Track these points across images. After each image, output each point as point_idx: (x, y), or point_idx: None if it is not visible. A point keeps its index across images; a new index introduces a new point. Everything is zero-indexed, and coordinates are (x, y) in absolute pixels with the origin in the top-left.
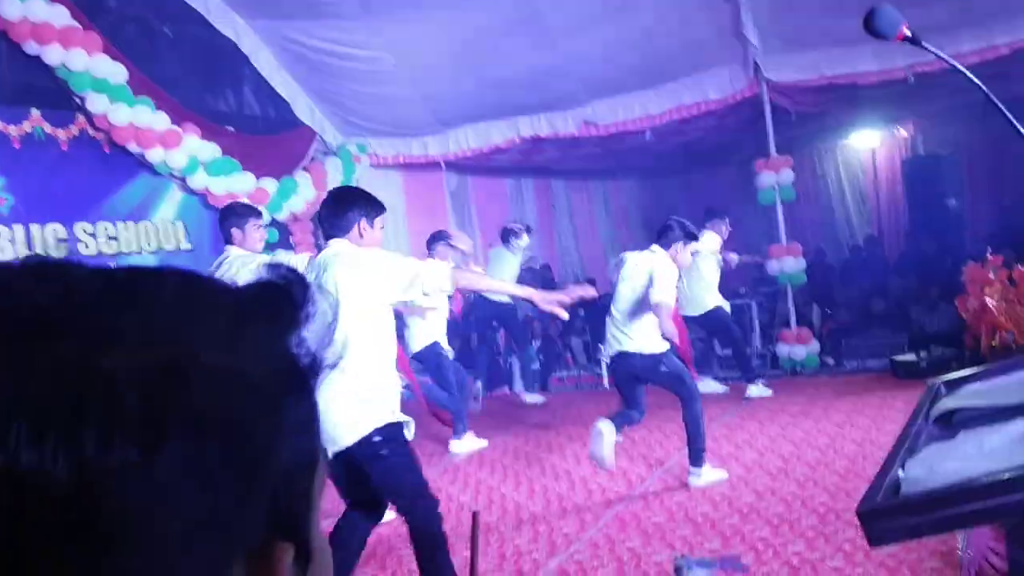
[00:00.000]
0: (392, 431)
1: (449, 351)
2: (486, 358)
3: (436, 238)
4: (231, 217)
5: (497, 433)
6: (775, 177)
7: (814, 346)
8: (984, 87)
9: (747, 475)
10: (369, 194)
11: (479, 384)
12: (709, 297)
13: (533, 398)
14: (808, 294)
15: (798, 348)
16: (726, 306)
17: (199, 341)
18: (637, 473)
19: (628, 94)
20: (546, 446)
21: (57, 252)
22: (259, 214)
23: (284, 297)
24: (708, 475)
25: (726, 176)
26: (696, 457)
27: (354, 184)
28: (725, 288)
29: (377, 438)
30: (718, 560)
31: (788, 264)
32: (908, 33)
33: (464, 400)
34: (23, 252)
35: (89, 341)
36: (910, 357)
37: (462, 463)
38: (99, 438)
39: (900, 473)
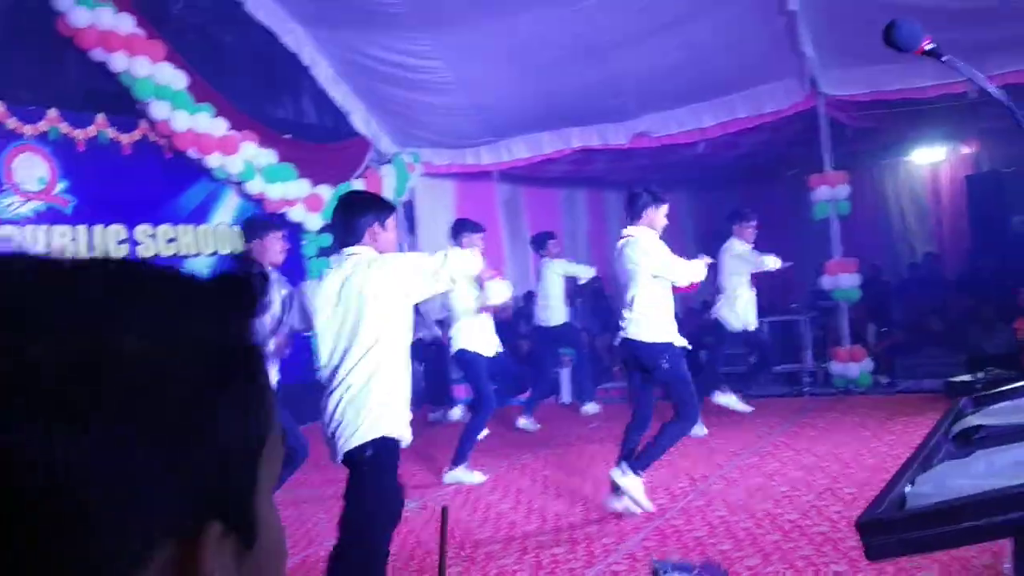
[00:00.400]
0: (387, 445)
1: (496, 344)
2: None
3: (461, 227)
4: (251, 229)
5: (539, 443)
6: (830, 192)
7: (867, 364)
8: (1012, 105)
9: (792, 493)
10: (377, 196)
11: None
12: (751, 312)
13: (591, 408)
14: (863, 311)
15: (851, 366)
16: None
17: (128, 328)
18: (680, 486)
19: (681, 107)
20: (588, 457)
21: (117, 253)
22: (279, 227)
23: (230, 287)
24: (632, 483)
25: (780, 190)
26: (642, 464)
27: (406, 192)
28: (780, 302)
29: (369, 451)
30: (698, 566)
31: (842, 280)
32: (928, 47)
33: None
34: (85, 252)
35: (20, 331)
36: (966, 378)
37: (503, 471)
38: (22, 423)
39: (908, 488)
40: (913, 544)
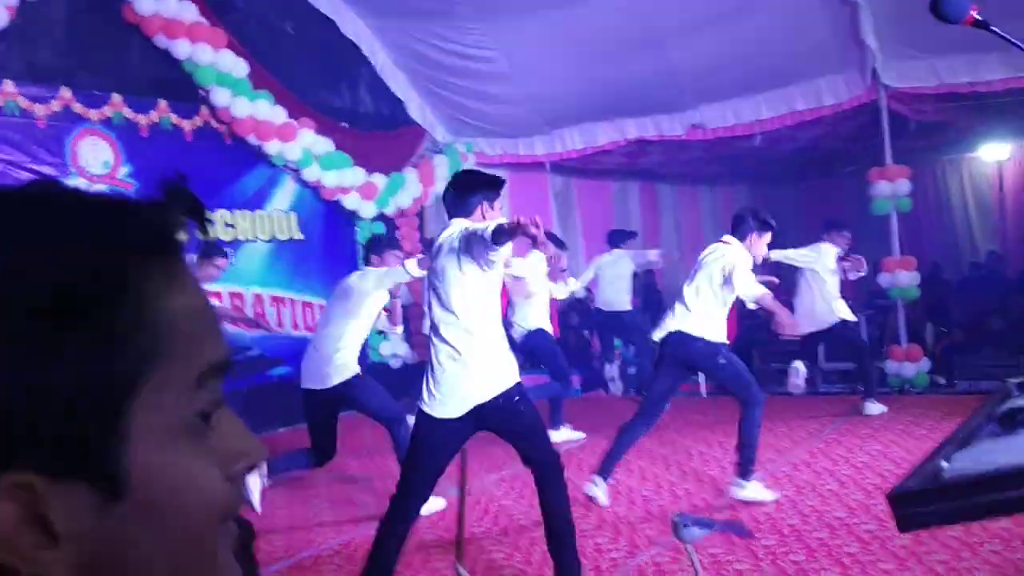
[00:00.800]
0: (520, 388)
1: (549, 328)
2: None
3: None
4: (376, 246)
5: (588, 433)
6: (891, 187)
7: (924, 364)
8: None
9: (841, 490)
10: (492, 177)
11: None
12: (830, 313)
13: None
14: (922, 310)
15: (907, 366)
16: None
17: None
18: (727, 482)
19: (738, 98)
20: (635, 450)
21: None
22: (399, 247)
23: (118, 213)
24: (754, 491)
25: (839, 185)
26: (744, 469)
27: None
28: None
29: (516, 396)
30: (720, 522)
31: (901, 278)
32: (977, 17)
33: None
34: None
35: None
36: None
37: None
38: None
39: (944, 464)
40: (947, 514)
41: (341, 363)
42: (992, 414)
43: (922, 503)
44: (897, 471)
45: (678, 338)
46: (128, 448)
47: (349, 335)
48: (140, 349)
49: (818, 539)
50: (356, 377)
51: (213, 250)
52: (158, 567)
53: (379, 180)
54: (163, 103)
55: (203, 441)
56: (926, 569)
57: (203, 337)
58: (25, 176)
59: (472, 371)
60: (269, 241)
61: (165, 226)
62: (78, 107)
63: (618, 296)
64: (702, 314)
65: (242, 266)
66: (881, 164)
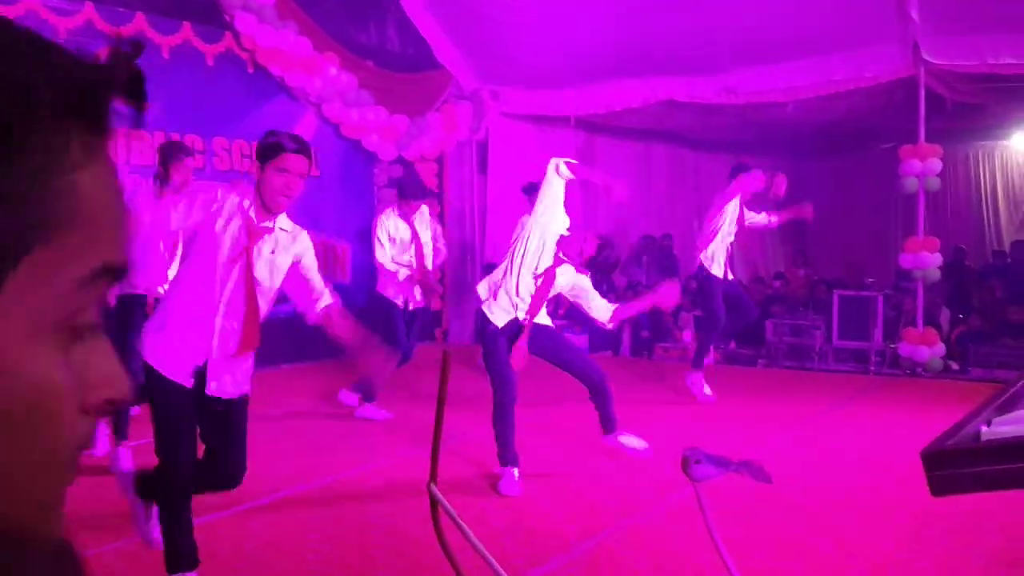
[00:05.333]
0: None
1: None
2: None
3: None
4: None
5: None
6: (921, 166)
7: (938, 349)
8: None
9: (845, 468)
10: None
11: None
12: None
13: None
14: (940, 294)
15: (921, 349)
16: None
17: None
18: (727, 450)
19: (774, 63)
20: (632, 417)
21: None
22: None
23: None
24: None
25: (867, 160)
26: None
27: (483, 132)
28: (852, 277)
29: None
30: (737, 463)
31: (923, 259)
32: None
33: None
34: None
35: None
36: None
37: (551, 417)
38: None
39: (984, 427)
40: (986, 480)
41: None
42: None
43: (958, 464)
44: (903, 452)
45: None
46: None
47: None
48: (31, 216)
49: (818, 513)
50: None
51: (179, 148)
52: None
53: (401, 123)
54: (187, 26)
55: (66, 354)
56: (925, 551)
57: (107, 231)
58: None
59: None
60: None
61: (93, 89)
62: (100, 24)
63: None
64: None
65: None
66: (913, 142)
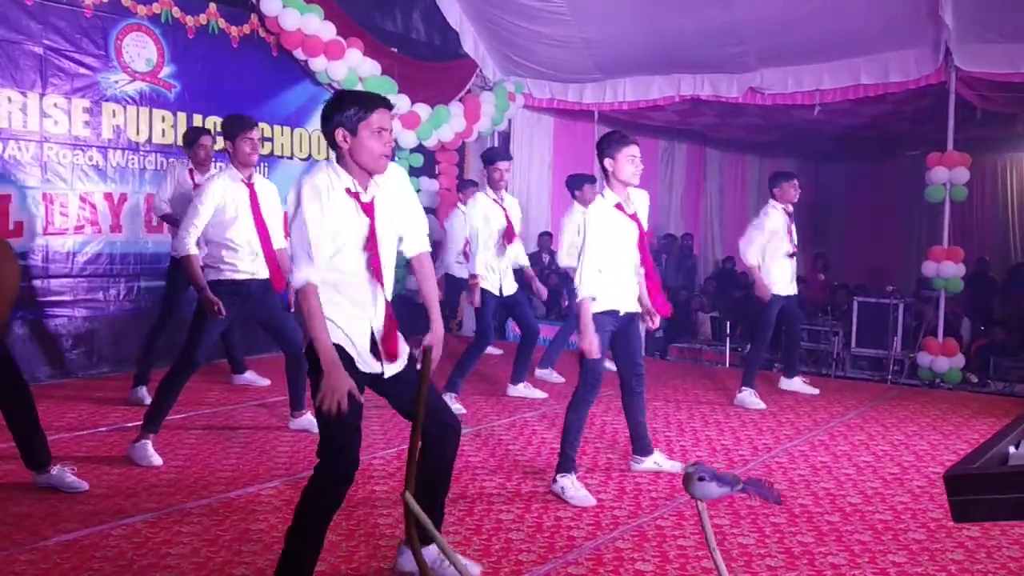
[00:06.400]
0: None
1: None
2: None
3: (583, 179)
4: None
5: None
6: (948, 174)
7: (958, 360)
8: None
9: (858, 477)
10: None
11: None
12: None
13: None
14: (962, 305)
15: (941, 360)
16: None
17: None
18: (740, 454)
19: (801, 65)
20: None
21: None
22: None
23: None
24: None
25: (893, 167)
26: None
27: (504, 122)
28: (875, 286)
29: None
30: (746, 481)
31: (946, 268)
32: None
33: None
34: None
35: None
36: None
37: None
38: None
39: (1012, 449)
40: (1014, 507)
41: None
42: None
43: (984, 490)
44: (918, 464)
45: None
46: None
47: None
48: None
49: (829, 523)
50: None
51: (199, 133)
52: None
53: (423, 111)
54: (213, 6)
55: None
56: (939, 567)
57: None
58: (68, 65)
59: None
60: (306, 159)
61: None
62: (127, 0)
63: None
64: None
65: (277, 182)
66: (941, 149)
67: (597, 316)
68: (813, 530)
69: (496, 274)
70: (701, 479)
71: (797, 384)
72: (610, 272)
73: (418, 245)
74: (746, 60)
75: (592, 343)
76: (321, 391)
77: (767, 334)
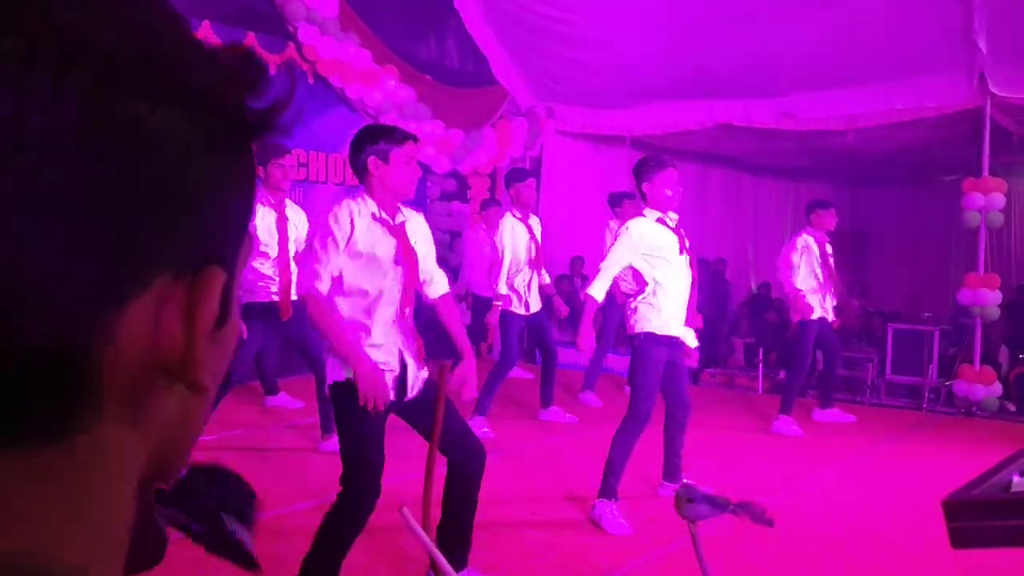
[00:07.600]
0: None
1: None
2: None
3: (623, 196)
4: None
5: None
6: (984, 200)
7: (995, 388)
8: None
9: (891, 506)
10: None
11: None
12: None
13: None
14: (999, 333)
15: (977, 388)
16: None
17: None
18: (771, 480)
19: (834, 90)
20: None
21: None
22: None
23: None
24: None
25: (928, 194)
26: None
27: (537, 148)
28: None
29: None
30: (736, 504)
31: (982, 296)
32: None
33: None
34: None
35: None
36: None
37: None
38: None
39: (1016, 477)
40: (1012, 534)
41: None
42: None
43: (983, 516)
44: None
45: None
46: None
47: None
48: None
49: (860, 552)
50: None
51: (279, 148)
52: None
53: (456, 137)
54: (251, 35)
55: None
56: None
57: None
58: None
59: None
60: (340, 184)
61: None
62: None
63: None
64: None
65: (312, 207)
66: (977, 175)
67: (653, 347)
68: (843, 559)
69: (522, 294)
70: (690, 501)
71: (833, 415)
72: (667, 287)
73: (440, 288)
74: (778, 85)
75: (588, 340)
76: (360, 391)
77: (806, 361)
